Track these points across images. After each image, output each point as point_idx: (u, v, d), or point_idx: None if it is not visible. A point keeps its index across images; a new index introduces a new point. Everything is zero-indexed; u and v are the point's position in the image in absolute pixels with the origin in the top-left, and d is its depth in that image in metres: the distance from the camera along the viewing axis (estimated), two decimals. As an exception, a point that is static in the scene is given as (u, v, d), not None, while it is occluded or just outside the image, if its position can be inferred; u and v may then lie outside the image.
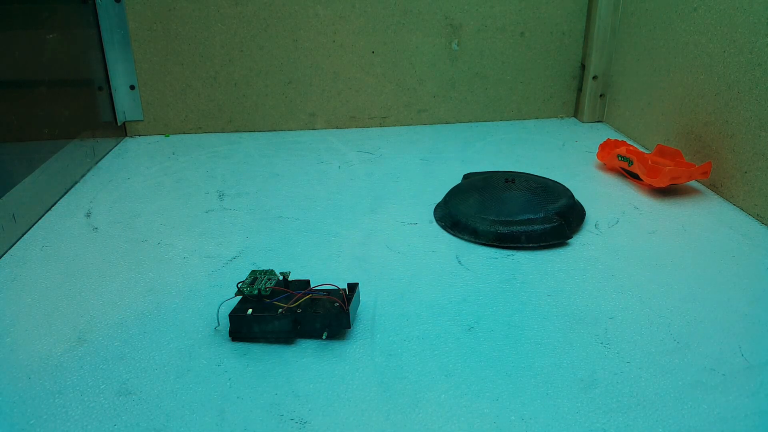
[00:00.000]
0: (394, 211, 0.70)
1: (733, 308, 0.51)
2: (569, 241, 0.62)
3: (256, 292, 0.48)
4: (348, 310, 0.46)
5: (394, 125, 1.01)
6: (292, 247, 0.62)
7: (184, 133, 0.98)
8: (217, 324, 0.50)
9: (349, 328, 0.47)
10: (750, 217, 0.67)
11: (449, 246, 0.62)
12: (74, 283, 0.56)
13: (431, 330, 0.49)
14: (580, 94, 1.02)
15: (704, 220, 0.66)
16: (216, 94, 0.96)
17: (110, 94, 0.92)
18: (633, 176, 0.76)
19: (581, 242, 0.62)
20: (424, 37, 0.96)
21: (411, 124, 1.01)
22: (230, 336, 0.48)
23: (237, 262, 0.59)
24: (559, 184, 0.70)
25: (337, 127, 1.00)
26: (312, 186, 0.77)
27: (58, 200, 0.74)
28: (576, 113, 1.04)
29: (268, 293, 0.49)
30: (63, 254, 0.61)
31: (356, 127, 1.00)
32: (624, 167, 0.77)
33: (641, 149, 0.87)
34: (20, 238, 0.65)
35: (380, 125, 1.01)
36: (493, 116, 1.03)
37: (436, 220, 0.67)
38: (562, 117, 1.04)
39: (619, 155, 0.78)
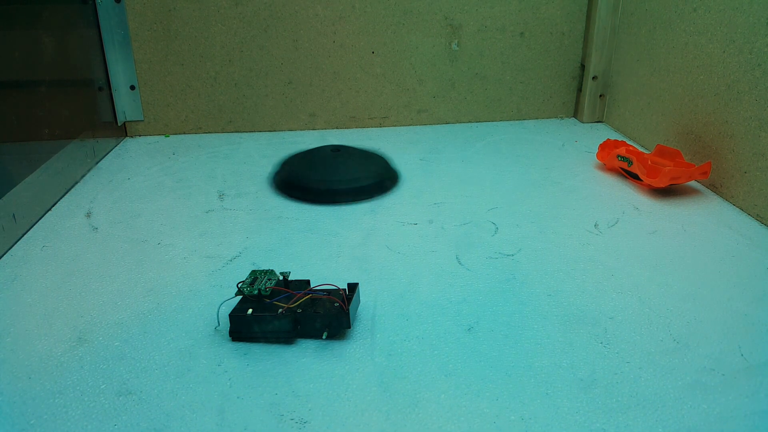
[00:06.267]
0: (394, 211, 0.70)
1: (733, 308, 0.51)
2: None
3: (256, 292, 0.48)
4: (348, 310, 0.46)
5: (394, 125, 1.01)
6: (292, 247, 0.62)
7: (184, 133, 0.98)
8: (217, 324, 0.50)
9: (349, 328, 0.47)
10: (750, 217, 0.67)
11: (449, 246, 0.62)
12: (74, 283, 0.56)
13: (431, 330, 0.49)
14: (580, 95, 1.02)
15: (704, 220, 0.66)
16: (216, 95, 0.96)
17: (110, 95, 0.92)
18: (633, 176, 0.77)
19: (581, 242, 0.62)
20: (424, 37, 0.96)
21: (411, 125, 1.01)
22: (230, 336, 0.48)
23: (237, 262, 0.59)
24: (376, 153, 0.83)
25: (337, 128, 1.00)
26: (312, 186, 0.77)
27: (59, 200, 0.74)
28: (576, 113, 1.04)
29: (268, 293, 0.49)
30: (63, 254, 0.61)
31: (356, 128, 1.00)
32: (624, 167, 0.77)
33: (641, 149, 0.87)
34: (20, 238, 0.65)
35: (380, 125, 1.01)
36: (493, 116, 1.03)
37: (274, 187, 0.76)
38: (561, 117, 1.04)
39: (618, 155, 0.78)
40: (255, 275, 0.50)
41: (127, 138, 0.96)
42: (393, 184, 0.78)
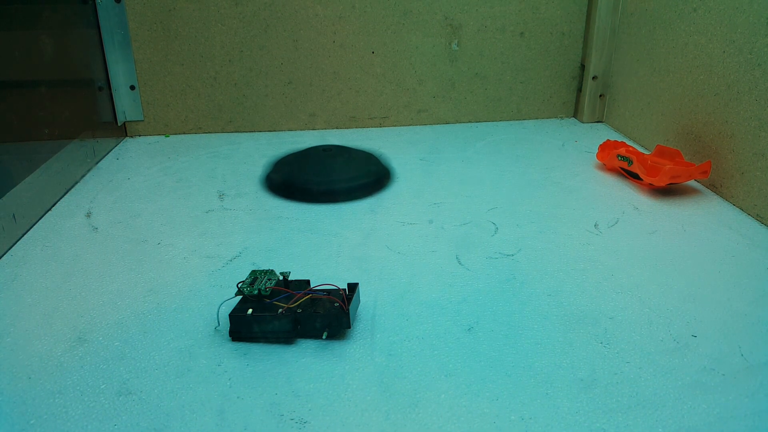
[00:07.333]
0: (394, 211, 0.70)
1: (733, 308, 0.51)
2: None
3: (256, 292, 0.48)
4: (348, 310, 0.46)
5: (394, 125, 1.01)
6: (292, 247, 0.62)
7: (184, 133, 0.98)
8: (217, 324, 0.50)
9: (349, 328, 0.47)
10: (749, 217, 0.67)
11: (449, 246, 0.62)
12: (74, 283, 0.56)
13: (431, 330, 0.49)
14: (580, 95, 1.02)
15: (704, 220, 0.66)
16: (216, 95, 0.96)
17: (110, 95, 0.92)
18: (633, 176, 0.77)
19: (581, 242, 0.62)
20: (424, 37, 0.96)
21: (411, 124, 1.01)
22: (230, 336, 0.48)
23: (237, 262, 0.59)
24: (368, 151, 0.83)
25: (337, 128, 1.00)
26: (312, 186, 0.77)
27: (59, 200, 0.74)
28: (576, 113, 1.04)
29: (268, 293, 0.49)
30: (63, 254, 0.61)
31: (356, 128, 1.00)
32: (624, 167, 0.77)
33: (641, 150, 0.87)
34: (20, 238, 0.65)
35: (380, 125, 1.01)
36: (493, 116, 1.03)
37: (268, 189, 0.76)
38: (561, 117, 1.04)
39: (618, 155, 0.78)
40: (255, 275, 0.50)
41: (127, 138, 0.96)
42: (387, 181, 0.78)
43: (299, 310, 0.47)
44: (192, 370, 0.45)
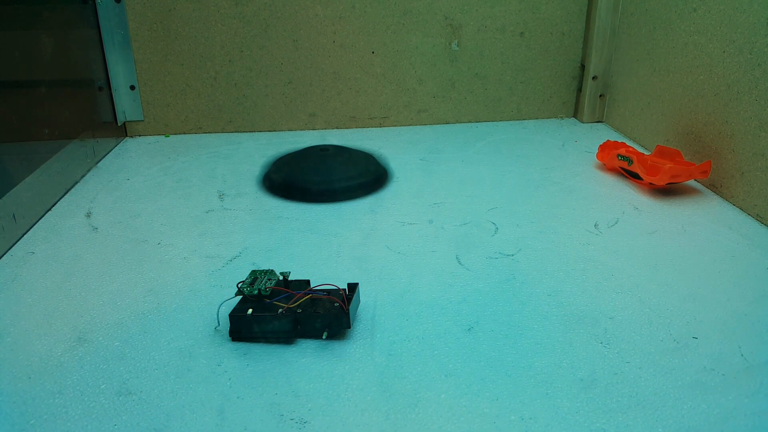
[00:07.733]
0: (394, 211, 0.70)
1: (733, 308, 0.51)
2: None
3: (256, 292, 0.48)
4: (348, 310, 0.46)
5: (394, 125, 1.01)
6: (292, 247, 0.62)
7: (184, 133, 0.98)
8: (217, 324, 0.50)
9: (349, 328, 0.47)
10: (749, 217, 0.67)
11: (449, 246, 0.62)
12: (74, 283, 0.56)
13: (431, 330, 0.49)
14: (580, 95, 1.02)
15: (704, 220, 0.66)
16: (216, 95, 0.96)
17: (110, 95, 0.92)
18: (633, 176, 0.77)
19: (581, 242, 0.62)
20: (424, 37, 0.96)
21: (411, 124, 1.01)
22: (230, 336, 0.48)
23: (237, 262, 0.59)
24: (365, 151, 0.84)
25: (337, 128, 1.00)
26: (312, 186, 0.77)
27: (59, 200, 0.74)
28: (576, 113, 1.04)
29: (268, 293, 0.49)
30: (63, 254, 0.61)
31: (356, 128, 1.00)
32: (624, 167, 0.77)
33: (641, 150, 0.87)
34: (20, 238, 0.65)
35: (380, 125, 1.01)
36: (493, 116, 1.03)
37: (266, 189, 0.76)
38: (561, 117, 1.04)
39: (618, 155, 0.78)
40: (255, 275, 0.50)
41: (127, 138, 0.96)
42: (385, 181, 0.78)
43: (299, 310, 0.47)
44: (192, 370, 0.45)
